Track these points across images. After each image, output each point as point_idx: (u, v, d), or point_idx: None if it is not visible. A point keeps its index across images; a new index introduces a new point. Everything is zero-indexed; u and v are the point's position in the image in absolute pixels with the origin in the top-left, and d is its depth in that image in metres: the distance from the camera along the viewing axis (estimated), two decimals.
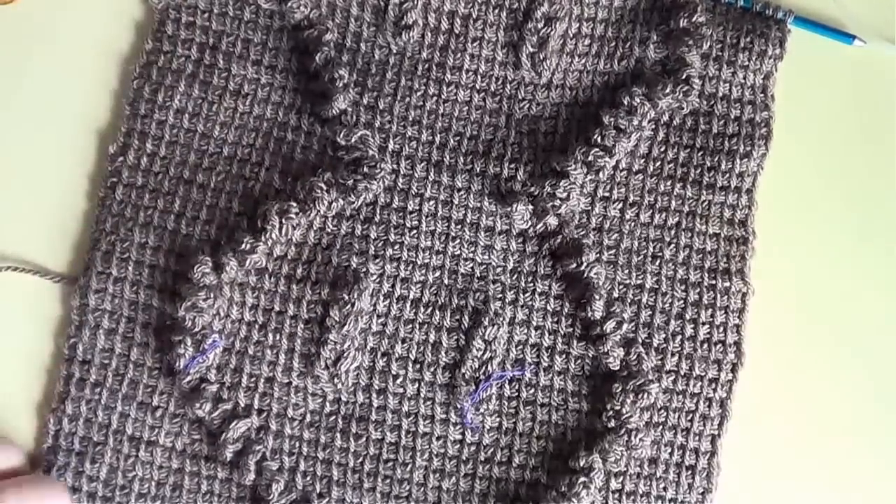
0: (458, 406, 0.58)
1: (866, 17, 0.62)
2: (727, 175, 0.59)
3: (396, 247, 0.59)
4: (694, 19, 0.59)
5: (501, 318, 0.58)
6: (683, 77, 0.59)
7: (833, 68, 0.62)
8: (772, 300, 0.59)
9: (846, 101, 0.62)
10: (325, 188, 0.57)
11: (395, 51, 0.60)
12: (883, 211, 0.61)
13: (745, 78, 0.60)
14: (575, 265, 0.58)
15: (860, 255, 0.61)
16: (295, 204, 0.57)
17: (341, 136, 0.58)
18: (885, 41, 0.62)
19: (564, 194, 0.58)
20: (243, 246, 0.57)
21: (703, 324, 0.58)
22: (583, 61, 0.60)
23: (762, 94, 0.60)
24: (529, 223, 0.58)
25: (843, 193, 0.61)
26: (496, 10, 0.60)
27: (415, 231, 0.59)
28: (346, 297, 0.57)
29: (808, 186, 0.61)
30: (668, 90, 0.58)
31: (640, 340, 0.58)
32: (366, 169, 0.58)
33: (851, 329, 0.60)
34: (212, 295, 0.57)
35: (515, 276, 0.59)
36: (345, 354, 0.57)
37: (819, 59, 0.62)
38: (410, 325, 0.58)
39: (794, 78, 0.61)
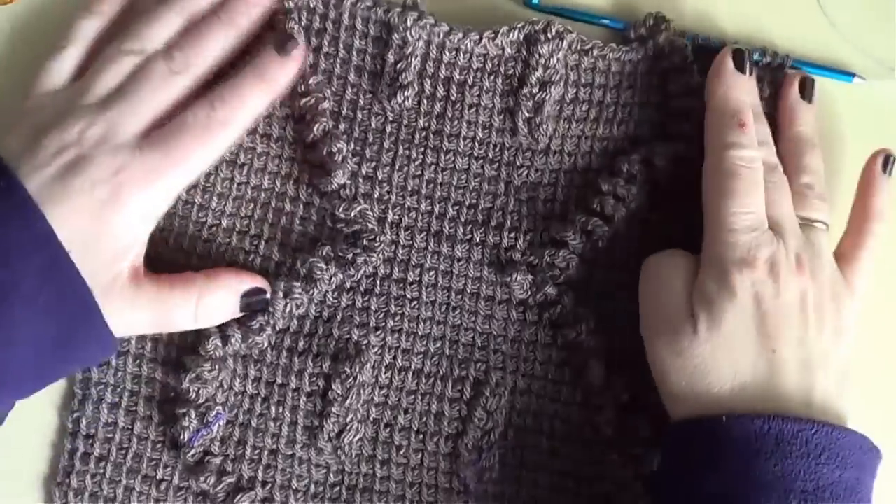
0: (462, 475, 0.58)
1: (867, 51, 0.62)
2: None
3: (397, 318, 0.59)
4: (692, 83, 0.58)
5: (503, 388, 0.58)
6: (685, 135, 0.58)
7: (833, 108, 0.62)
8: None
9: (849, 139, 0.62)
10: (324, 266, 0.57)
11: (391, 118, 0.60)
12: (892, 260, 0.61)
13: None
14: (574, 334, 0.58)
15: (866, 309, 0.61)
16: (298, 284, 0.57)
17: (340, 210, 0.58)
18: (885, 77, 0.62)
19: (563, 264, 0.58)
20: (252, 324, 0.57)
21: None
22: (581, 126, 0.60)
23: None
24: (529, 293, 0.59)
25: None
26: (491, 77, 0.60)
27: (415, 302, 0.59)
28: (348, 371, 0.58)
29: None
30: (667, 154, 0.58)
31: (640, 407, 0.58)
32: (365, 242, 0.58)
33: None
34: (216, 367, 0.57)
35: (516, 345, 0.59)
36: (347, 427, 0.58)
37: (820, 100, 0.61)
38: (413, 396, 0.59)
39: None
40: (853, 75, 0.62)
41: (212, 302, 0.55)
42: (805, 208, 0.55)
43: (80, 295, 0.50)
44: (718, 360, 0.51)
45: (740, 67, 0.56)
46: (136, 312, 0.53)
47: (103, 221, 0.50)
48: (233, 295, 0.56)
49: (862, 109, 0.62)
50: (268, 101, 0.56)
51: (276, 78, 0.56)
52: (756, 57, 0.60)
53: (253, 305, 0.56)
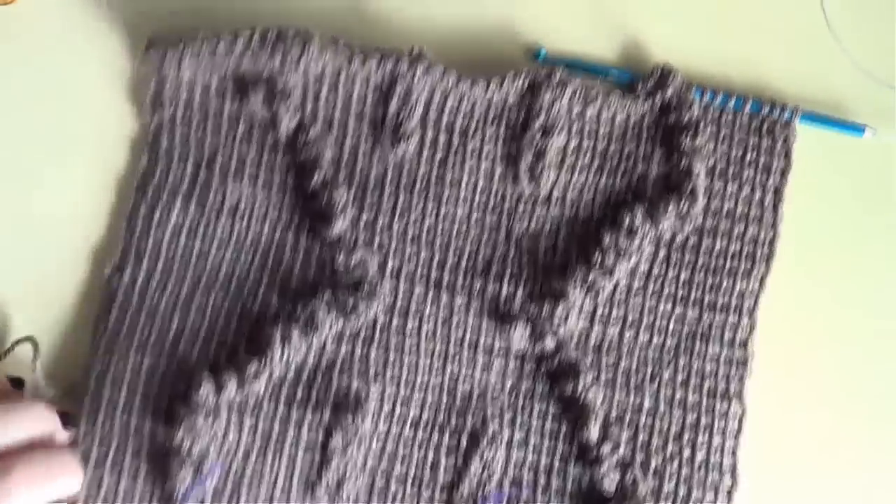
0: None
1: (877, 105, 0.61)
2: (728, 294, 0.59)
3: (396, 367, 0.59)
4: (698, 140, 0.58)
5: (499, 439, 0.58)
6: (689, 191, 0.58)
7: (844, 161, 0.61)
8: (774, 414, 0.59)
9: (858, 195, 0.61)
10: (324, 312, 0.57)
11: (392, 165, 0.59)
12: None
13: (752, 191, 0.59)
14: (572, 387, 0.58)
15: (881, 369, 0.60)
16: (296, 330, 0.57)
17: (341, 257, 0.58)
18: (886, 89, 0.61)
19: (563, 315, 0.58)
20: (247, 373, 0.57)
21: (701, 445, 0.58)
22: (583, 176, 0.59)
23: (773, 211, 0.59)
24: (527, 344, 0.58)
25: (855, 295, 0.61)
26: (494, 124, 0.59)
27: (414, 351, 0.59)
28: (350, 421, 0.57)
29: (819, 285, 0.61)
30: (670, 209, 0.58)
31: (636, 463, 0.58)
32: (366, 289, 0.58)
33: (854, 451, 0.60)
34: (210, 417, 0.57)
35: (513, 396, 0.59)
36: (346, 478, 0.57)
37: (829, 154, 0.61)
38: (410, 445, 0.58)
39: (802, 176, 0.60)
40: (863, 129, 0.61)
41: None
42: None
43: None
44: None
45: None
46: None
47: None
48: None
49: (872, 163, 0.61)
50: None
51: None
52: (766, 112, 0.59)
53: None
